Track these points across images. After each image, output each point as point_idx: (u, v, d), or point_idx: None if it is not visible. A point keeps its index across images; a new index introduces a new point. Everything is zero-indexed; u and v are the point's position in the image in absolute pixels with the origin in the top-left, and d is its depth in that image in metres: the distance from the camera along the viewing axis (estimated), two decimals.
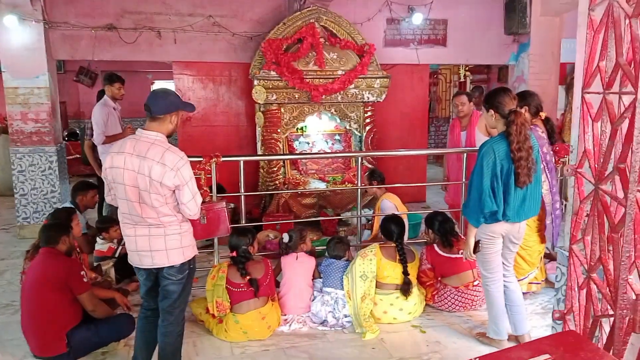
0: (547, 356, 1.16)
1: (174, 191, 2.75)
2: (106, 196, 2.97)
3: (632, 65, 1.50)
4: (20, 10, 5.65)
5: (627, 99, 1.56)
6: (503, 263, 3.45)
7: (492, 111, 3.22)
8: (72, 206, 4.61)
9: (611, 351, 1.65)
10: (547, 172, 3.87)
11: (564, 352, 1.18)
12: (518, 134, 3.08)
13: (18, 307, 3.64)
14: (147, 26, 6.28)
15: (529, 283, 4.18)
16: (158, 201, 2.71)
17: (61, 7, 6.02)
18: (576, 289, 1.78)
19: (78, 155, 9.01)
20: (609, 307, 1.60)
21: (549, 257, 4.64)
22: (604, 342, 1.82)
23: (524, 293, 3.86)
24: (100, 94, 6.07)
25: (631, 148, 1.49)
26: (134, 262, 2.91)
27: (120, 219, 2.87)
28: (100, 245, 4.47)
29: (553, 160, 3.95)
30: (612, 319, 1.59)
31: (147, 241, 2.79)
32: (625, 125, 1.54)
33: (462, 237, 4.09)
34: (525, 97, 3.89)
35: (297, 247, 4.09)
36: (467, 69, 9.96)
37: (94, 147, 5.67)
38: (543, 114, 4.01)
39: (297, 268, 3.99)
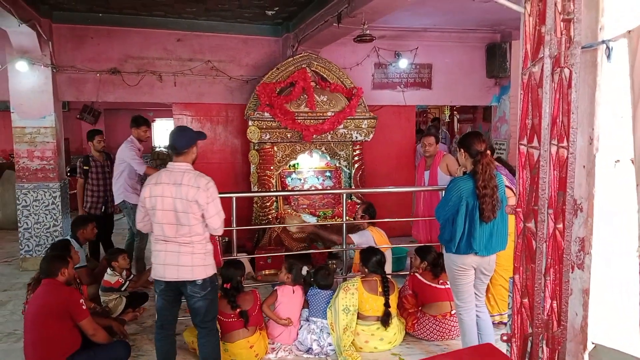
0: None
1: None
2: (138, 223, 3.36)
3: (544, 124, 1.83)
4: (30, 56, 6.02)
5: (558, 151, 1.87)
6: (475, 293, 3.71)
7: (462, 150, 3.56)
8: (67, 238, 4.87)
9: None
10: None
11: (478, 358, 1.44)
12: (484, 173, 3.40)
13: (20, 335, 3.85)
14: (149, 70, 6.69)
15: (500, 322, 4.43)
16: (195, 219, 3.15)
17: (69, 52, 6.43)
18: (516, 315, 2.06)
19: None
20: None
21: None
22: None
23: (494, 323, 4.11)
24: (91, 134, 6.15)
25: (539, 193, 1.82)
26: (157, 275, 3.27)
27: (152, 240, 3.29)
28: (109, 276, 4.67)
29: None
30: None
31: (175, 256, 3.20)
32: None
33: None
34: None
35: (298, 280, 4.33)
36: (455, 108, 10.39)
37: (84, 185, 5.97)
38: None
39: (295, 300, 4.22)
